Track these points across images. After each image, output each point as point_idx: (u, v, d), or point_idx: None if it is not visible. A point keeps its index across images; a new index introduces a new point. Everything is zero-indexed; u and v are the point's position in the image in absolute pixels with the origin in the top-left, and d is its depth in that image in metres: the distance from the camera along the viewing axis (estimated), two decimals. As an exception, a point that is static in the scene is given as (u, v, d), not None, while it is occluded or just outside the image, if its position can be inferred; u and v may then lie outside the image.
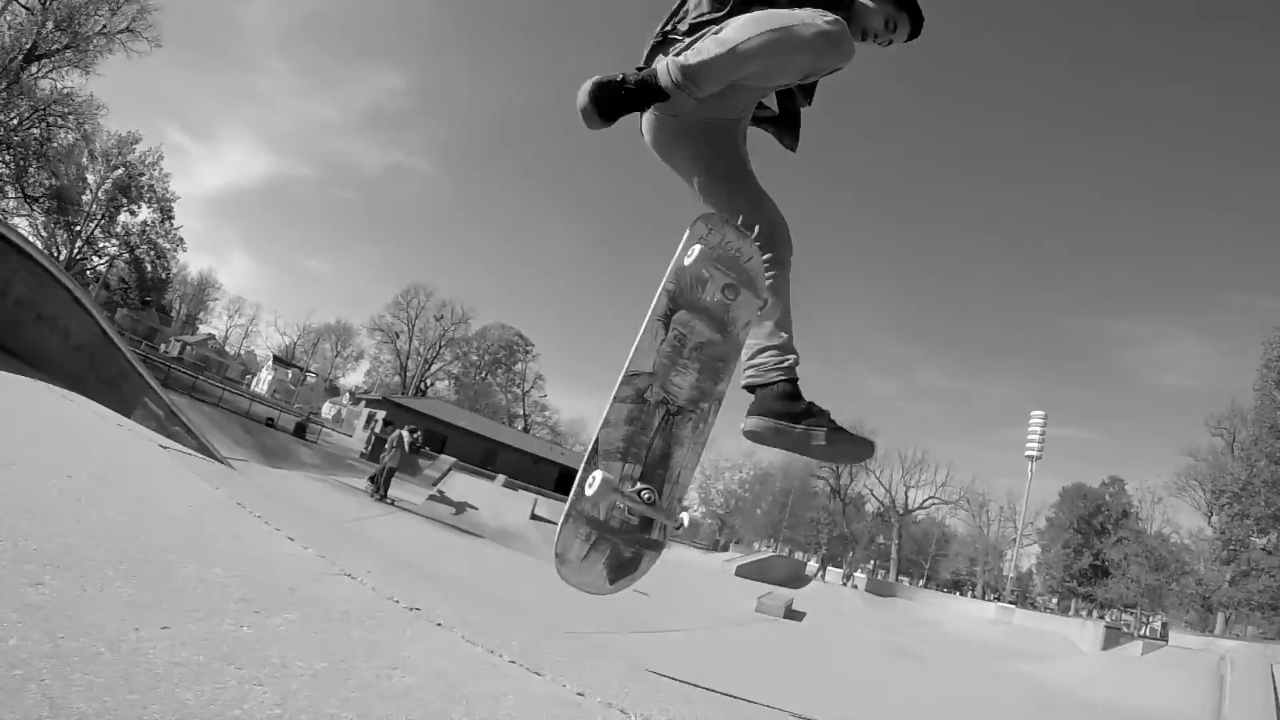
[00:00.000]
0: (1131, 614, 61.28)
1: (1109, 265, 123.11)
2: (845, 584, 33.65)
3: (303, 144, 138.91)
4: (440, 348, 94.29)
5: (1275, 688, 12.11)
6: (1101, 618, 52.20)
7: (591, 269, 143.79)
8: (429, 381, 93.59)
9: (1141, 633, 31.88)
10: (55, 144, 58.84)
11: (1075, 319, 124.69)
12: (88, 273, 70.24)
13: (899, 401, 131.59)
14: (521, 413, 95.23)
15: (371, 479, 19.57)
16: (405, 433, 26.47)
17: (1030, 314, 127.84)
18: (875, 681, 10.51)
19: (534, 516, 20.57)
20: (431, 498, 23.46)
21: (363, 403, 67.32)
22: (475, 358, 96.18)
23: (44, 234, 65.94)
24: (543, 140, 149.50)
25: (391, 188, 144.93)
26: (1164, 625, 50.13)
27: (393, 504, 18.00)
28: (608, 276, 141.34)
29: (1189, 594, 55.72)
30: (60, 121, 57.97)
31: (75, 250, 68.11)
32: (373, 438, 18.56)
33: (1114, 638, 21.49)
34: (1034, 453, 59.51)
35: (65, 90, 56.12)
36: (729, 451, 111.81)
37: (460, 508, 21.98)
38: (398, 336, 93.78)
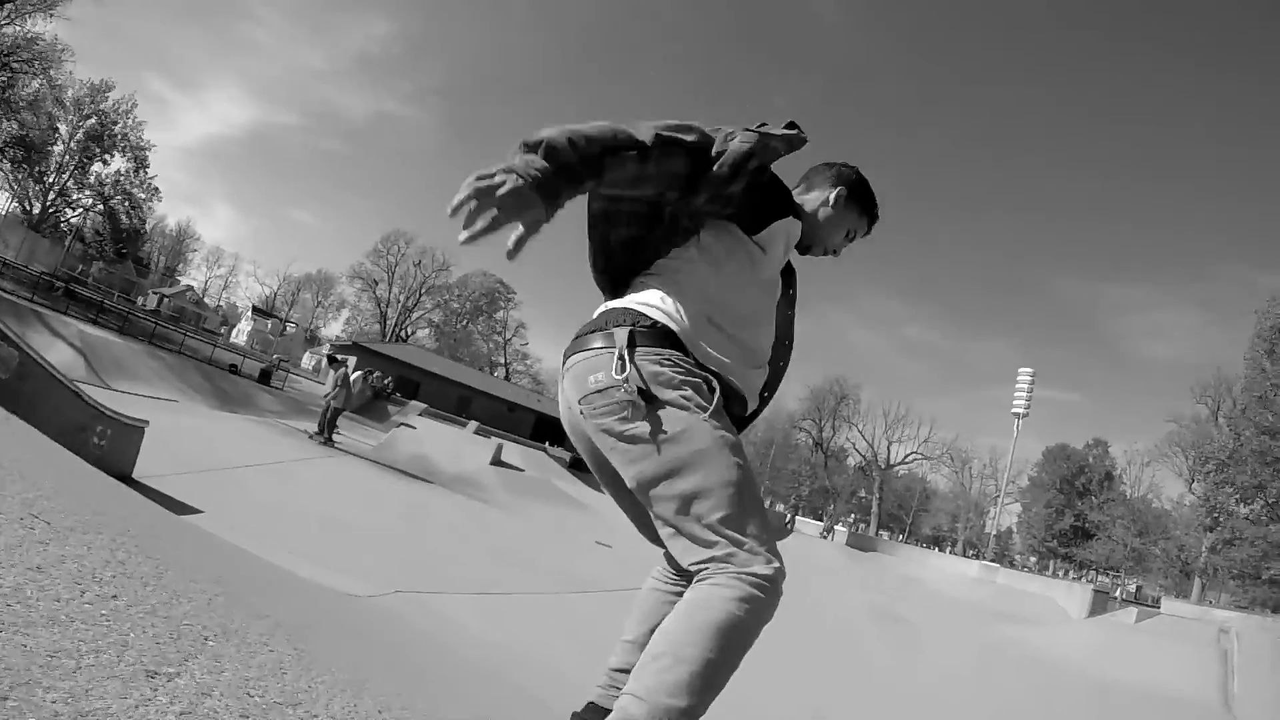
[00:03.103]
0: (1109, 576, 61.92)
1: (1101, 229, 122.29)
2: (825, 536, 32.89)
3: (289, 93, 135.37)
4: (420, 295, 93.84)
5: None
6: (1079, 579, 52.39)
7: (577, 217, 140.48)
8: (410, 329, 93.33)
9: (1116, 594, 31.54)
10: (20, 90, 57.51)
11: (1065, 281, 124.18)
12: (62, 225, 69.39)
13: (883, 355, 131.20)
14: (503, 361, 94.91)
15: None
16: (355, 372, 25.13)
17: (1020, 275, 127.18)
18: (860, 654, 9.51)
19: (497, 462, 19.27)
20: (400, 427, 22.34)
21: (322, 345, 66.30)
22: (456, 305, 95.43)
23: (15, 187, 65.08)
24: (531, 89, 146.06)
25: (378, 136, 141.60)
26: (1139, 589, 50.63)
27: (329, 444, 16.65)
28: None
29: (1171, 558, 56.12)
30: (25, 68, 56.56)
31: (48, 202, 66.97)
32: (335, 387, 17.17)
33: (1102, 602, 20.80)
34: (1021, 410, 58.81)
35: (28, 35, 54.86)
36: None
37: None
38: (377, 284, 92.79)
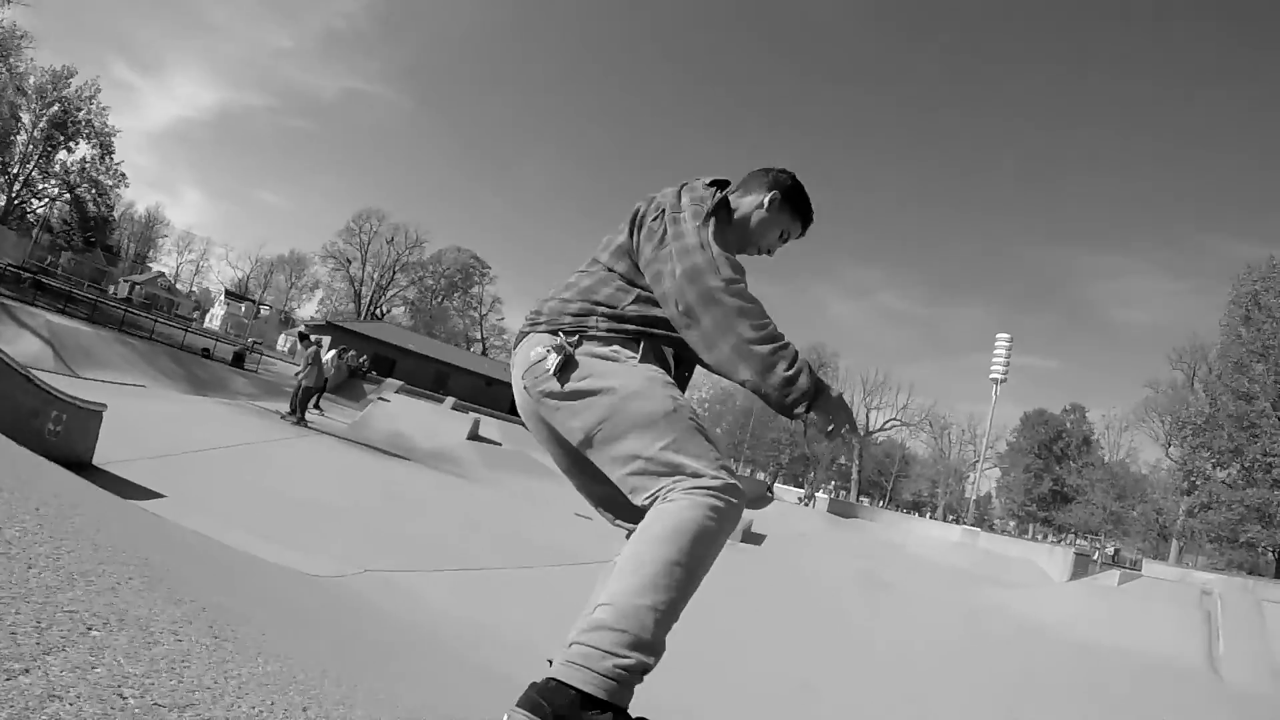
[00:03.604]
0: (1087, 540, 62.60)
1: (1072, 196, 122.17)
2: (807, 504, 32.82)
3: (255, 73, 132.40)
4: (394, 272, 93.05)
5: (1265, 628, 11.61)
6: (1058, 542, 52.89)
7: (551, 191, 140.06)
8: (385, 308, 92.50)
9: (1095, 558, 31.77)
10: None
11: (1038, 248, 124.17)
12: (28, 216, 68.31)
13: (860, 323, 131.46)
14: (479, 336, 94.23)
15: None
16: (330, 351, 24.76)
17: (993, 241, 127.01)
18: (845, 620, 9.42)
19: (474, 437, 18.97)
20: (376, 400, 22.03)
21: (296, 327, 65.65)
22: (431, 282, 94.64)
23: None
24: (499, 64, 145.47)
25: (346, 114, 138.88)
26: (1116, 552, 51.19)
27: (302, 424, 16.28)
28: (567, 198, 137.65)
29: (1149, 522, 56.76)
30: None
31: (14, 194, 65.76)
32: (305, 365, 16.80)
33: (1083, 565, 20.92)
34: (999, 375, 58.87)
35: None
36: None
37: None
38: (350, 263, 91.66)
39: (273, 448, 12.27)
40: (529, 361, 1.93)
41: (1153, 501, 57.49)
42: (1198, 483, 48.81)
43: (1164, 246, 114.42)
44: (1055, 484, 73.36)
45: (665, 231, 1.96)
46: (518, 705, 1.52)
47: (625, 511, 2.03)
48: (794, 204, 2.34)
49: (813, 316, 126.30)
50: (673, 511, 1.64)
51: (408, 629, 4.46)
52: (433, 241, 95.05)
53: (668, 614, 1.57)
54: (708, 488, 1.66)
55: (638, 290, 2.00)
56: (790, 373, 1.80)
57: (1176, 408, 55.09)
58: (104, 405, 8.38)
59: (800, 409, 1.81)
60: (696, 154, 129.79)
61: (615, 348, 1.90)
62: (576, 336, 1.92)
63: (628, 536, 1.90)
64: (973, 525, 38.08)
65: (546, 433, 2.01)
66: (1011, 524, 76.60)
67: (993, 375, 58.19)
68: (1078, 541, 56.83)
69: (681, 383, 2.10)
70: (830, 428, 1.87)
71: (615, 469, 1.79)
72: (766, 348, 1.82)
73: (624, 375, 1.84)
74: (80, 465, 7.57)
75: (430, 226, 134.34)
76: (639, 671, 1.53)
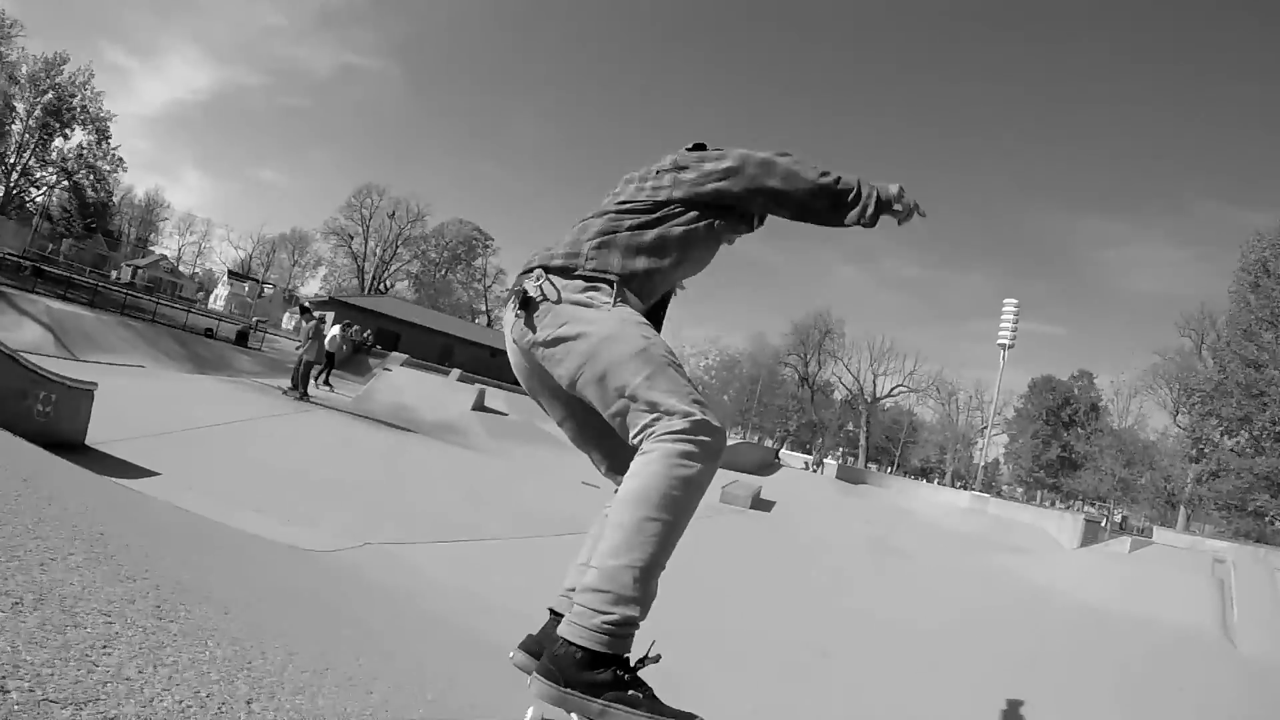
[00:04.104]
0: (1095, 506, 62.42)
1: (1078, 162, 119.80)
2: (815, 470, 32.65)
3: (249, 52, 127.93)
4: (397, 247, 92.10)
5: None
6: (1067, 508, 52.74)
7: (550, 160, 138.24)
8: (388, 282, 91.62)
9: (1104, 525, 31.64)
10: None
11: (1044, 215, 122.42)
12: (28, 205, 67.61)
13: (866, 289, 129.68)
14: (484, 308, 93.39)
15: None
16: (334, 326, 24.50)
17: (999, 207, 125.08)
18: (859, 586, 9.31)
19: (479, 408, 18.73)
20: (381, 371, 21.84)
21: (296, 304, 65.67)
22: (434, 255, 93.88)
23: None
24: (492, 33, 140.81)
25: (343, 90, 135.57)
26: (1124, 519, 50.95)
27: (305, 399, 16.06)
28: (567, 168, 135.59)
29: (1158, 489, 56.51)
30: None
31: (12, 184, 65.10)
32: (306, 339, 16.58)
33: (1093, 532, 20.70)
34: (1006, 340, 58.26)
35: None
36: (694, 338, 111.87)
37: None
38: (352, 239, 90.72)
39: (273, 423, 12.08)
40: (513, 317, 2.04)
41: (1161, 469, 57.14)
42: (1206, 451, 48.47)
43: (1172, 213, 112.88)
44: (1063, 450, 72.94)
45: (699, 160, 2.21)
46: (537, 672, 1.67)
47: (624, 466, 1.96)
48: None
49: (817, 282, 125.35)
50: (640, 469, 1.73)
51: (401, 602, 4.29)
52: (434, 214, 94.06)
53: (647, 569, 1.68)
54: (677, 431, 1.73)
55: (625, 234, 2.10)
56: (852, 184, 2.21)
57: (1184, 375, 54.52)
58: (94, 384, 8.17)
59: (871, 209, 2.20)
60: (692, 114, 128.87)
61: (591, 293, 1.97)
62: (557, 277, 2.01)
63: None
64: (981, 491, 37.98)
65: (538, 384, 2.16)
66: (1019, 490, 76.41)
67: (1000, 340, 57.61)
68: (1086, 509, 56.72)
69: (657, 323, 2.26)
70: (905, 212, 2.32)
71: (603, 409, 1.88)
72: (829, 178, 2.18)
73: (599, 320, 1.91)
74: (72, 446, 7.40)
75: (431, 199, 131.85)
76: (627, 624, 1.66)
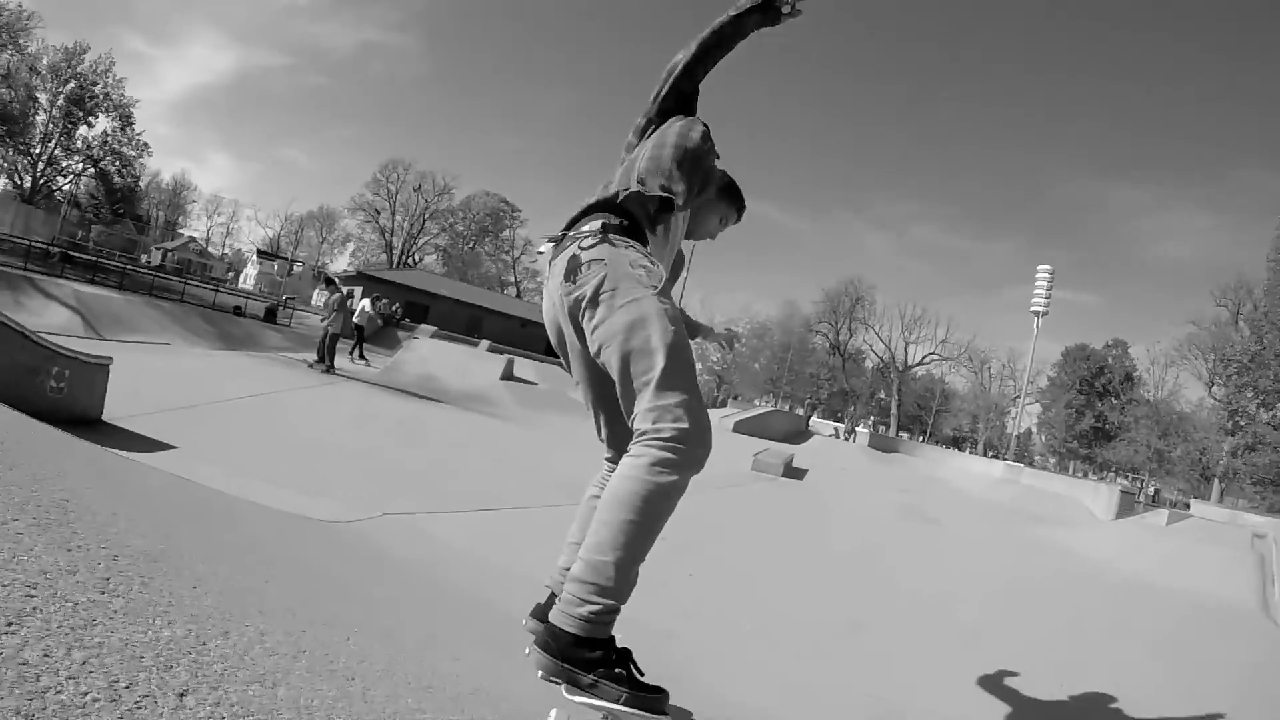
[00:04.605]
0: (1127, 478, 61.53)
1: (1110, 129, 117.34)
2: (847, 439, 32.26)
3: (269, 32, 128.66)
4: (424, 221, 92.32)
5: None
6: (1101, 479, 51.99)
7: (574, 129, 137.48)
8: (417, 256, 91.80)
9: (1139, 498, 31.11)
10: None
11: (1076, 182, 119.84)
12: (55, 194, 68.55)
13: (897, 257, 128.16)
14: (513, 280, 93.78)
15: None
16: (363, 299, 24.40)
17: (1030, 174, 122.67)
18: (893, 556, 9.16)
19: (508, 377, 18.54)
20: (406, 345, 21.70)
21: (324, 281, 66.23)
22: (461, 228, 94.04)
23: (3, 164, 64.61)
24: (517, 3, 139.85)
25: (364, 67, 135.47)
26: (1156, 492, 50.07)
27: (331, 371, 15.95)
28: (593, 135, 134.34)
29: (1192, 461, 55.51)
30: None
31: (38, 173, 66.24)
32: (330, 312, 16.44)
33: (1128, 504, 20.18)
34: (1040, 308, 57.16)
35: None
36: (724, 306, 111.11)
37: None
38: (379, 214, 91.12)
39: (297, 395, 11.94)
40: (568, 267, 2.15)
41: (1196, 441, 56.11)
42: (1242, 423, 47.49)
43: (1206, 181, 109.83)
44: (1097, 421, 71.90)
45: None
46: (535, 644, 1.91)
47: (623, 448, 2.13)
48: (729, 195, 2.84)
49: (848, 250, 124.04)
50: (626, 472, 1.93)
51: (415, 574, 4.10)
52: (461, 187, 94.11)
53: (627, 563, 1.88)
54: (665, 439, 1.90)
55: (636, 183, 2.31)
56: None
57: (1220, 345, 53.50)
58: (110, 359, 8.02)
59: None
60: (714, 81, 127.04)
61: (625, 249, 2.14)
62: (602, 222, 2.21)
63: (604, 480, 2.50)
64: (1015, 461, 37.42)
65: (567, 341, 2.31)
66: (1051, 461, 75.43)
67: (1034, 308, 56.67)
68: (1118, 481, 55.92)
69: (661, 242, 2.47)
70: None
71: (617, 384, 2.05)
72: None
73: (643, 301, 2.04)
74: (88, 422, 7.28)
75: (458, 172, 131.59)
76: (608, 612, 1.87)
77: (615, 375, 2.03)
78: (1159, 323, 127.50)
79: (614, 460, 2.48)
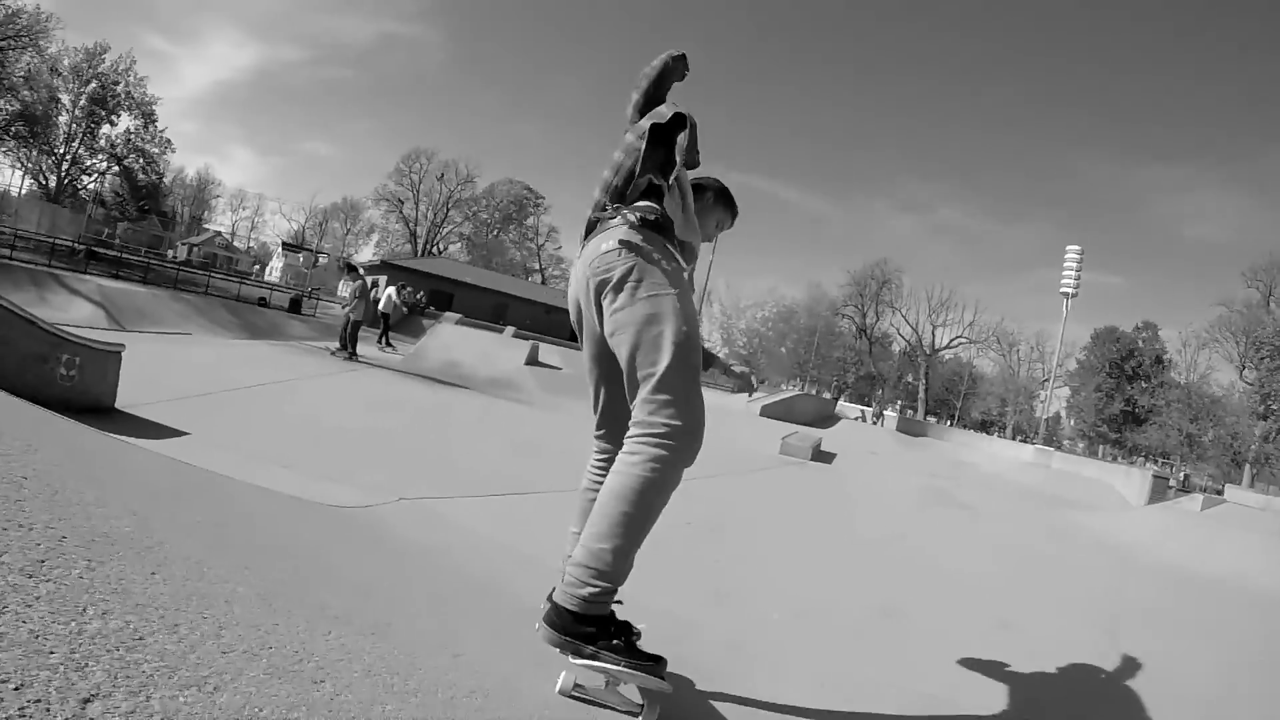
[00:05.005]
0: (1157, 463, 60.50)
1: (1140, 105, 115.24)
2: (875, 422, 31.82)
3: (288, 27, 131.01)
4: (448, 209, 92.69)
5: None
6: (1131, 464, 51.14)
7: (595, 115, 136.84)
8: (441, 245, 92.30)
9: (1171, 483, 30.60)
10: (13, 68, 58.14)
11: (1102, 163, 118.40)
12: (80, 193, 70.03)
13: (923, 239, 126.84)
14: (538, 266, 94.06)
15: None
16: (388, 287, 24.32)
17: (1055, 155, 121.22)
18: (923, 540, 9.10)
19: (533, 362, 18.35)
20: (430, 332, 21.56)
21: (346, 268, 66.66)
22: (485, 216, 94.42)
23: (28, 164, 65.94)
24: None
25: (384, 58, 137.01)
26: (1186, 477, 49.10)
27: (354, 359, 15.78)
28: (617, 122, 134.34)
29: (1224, 446, 54.53)
30: (12, 44, 57.19)
31: (63, 173, 67.55)
32: (353, 299, 16.29)
33: (1161, 489, 19.79)
34: (1069, 289, 55.83)
35: (10, 10, 55.57)
36: (749, 290, 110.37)
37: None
38: (402, 204, 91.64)
39: (317, 382, 11.77)
40: (599, 252, 2.28)
41: (1227, 425, 55.10)
42: (1274, 407, 46.68)
43: (1236, 160, 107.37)
44: (1126, 404, 70.90)
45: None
46: (543, 619, 2.10)
47: (617, 432, 2.35)
48: (724, 201, 2.94)
49: (873, 233, 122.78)
50: (624, 469, 2.08)
51: (426, 560, 3.90)
52: (484, 176, 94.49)
53: (623, 549, 2.06)
54: (659, 435, 2.07)
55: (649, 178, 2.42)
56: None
57: (1251, 328, 52.56)
58: (122, 345, 7.89)
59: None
60: (732, 61, 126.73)
61: (653, 244, 2.29)
62: (635, 227, 2.30)
63: (595, 464, 2.62)
64: (1044, 445, 36.86)
65: (585, 319, 2.42)
66: (1080, 445, 74.40)
67: (1063, 289, 55.45)
68: (1148, 465, 54.98)
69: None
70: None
71: (624, 370, 2.20)
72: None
73: (663, 298, 2.18)
74: (101, 409, 7.15)
75: (480, 161, 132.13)
76: (607, 593, 2.06)
77: (623, 361, 2.18)
78: (1189, 305, 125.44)
79: (604, 440, 2.60)
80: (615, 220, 2.33)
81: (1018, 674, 3.96)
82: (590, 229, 2.45)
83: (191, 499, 3.00)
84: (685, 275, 2.33)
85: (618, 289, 2.19)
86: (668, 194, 2.39)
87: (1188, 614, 7.25)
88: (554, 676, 2.23)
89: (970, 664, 4.01)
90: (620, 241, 2.24)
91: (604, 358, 2.39)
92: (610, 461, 2.49)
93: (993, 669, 3.97)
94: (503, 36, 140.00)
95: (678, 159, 2.38)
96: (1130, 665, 4.53)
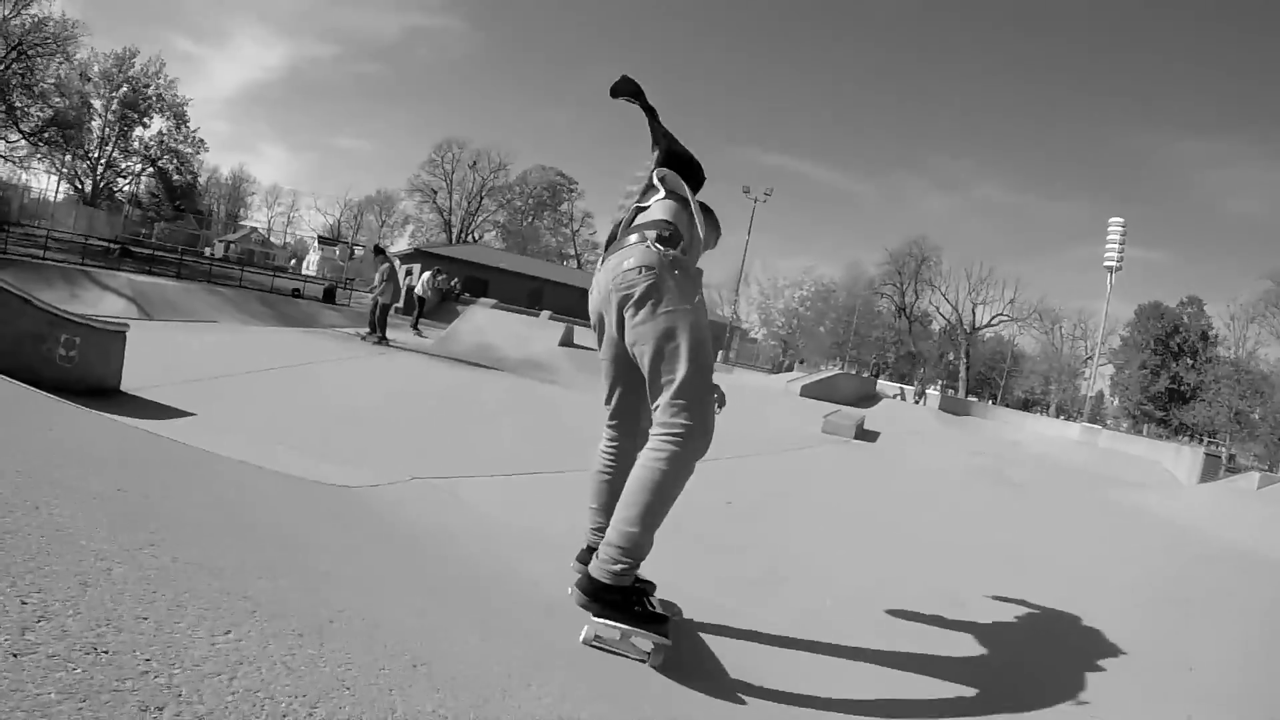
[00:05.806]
0: (1203, 441, 58.94)
1: (1179, 80, 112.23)
2: (918, 401, 31.22)
3: (315, 24, 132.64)
4: (481, 197, 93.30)
5: None
6: (1179, 442, 49.90)
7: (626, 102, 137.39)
8: (476, 234, 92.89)
9: (1223, 461, 29.75)
10: (42, 75, 59.69)
11: (1143, 135, 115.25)
12: (116, 195, 71.68)
13: (961, 217, 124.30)
14: (573, 252, 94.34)
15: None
16: (423, 274, 24.09)
17: (1095, 129, 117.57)
18: (978, 523, 8.54)
19: (568, 343, 17.96)
20: (462, 315, 21.30)
21: (374, 251, 67.26)
22: (519, 203, 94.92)
23: (63, 169, 67.71)
24: None
25: (412, 51, 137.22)
26: (1232, 457, 47.72)
27: (384, 343, 15.55)
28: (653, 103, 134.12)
29: (1274, 424, 53.09)
30: (41, 50, 58.48)
31: (99, 177, 69.22)
32: (380, 281, 16.07)
33: (1213, 467, 18.96)
34: (1113, 263, 54.54)
35: (36, 19, 56.98)
36: (786, 270, 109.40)
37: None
38: (436, 194, 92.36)
39: (341, 365, 11.49)
40: (622, 268, 2.57)
41: (1276, 403, 53.68)
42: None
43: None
44: (1172, 381, 69.40)
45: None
46: (575, 585, 2.51)
47: (628, 423, 2.87)
48: (713, 222, 3.14)
49: (910, 211, 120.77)
50: (646, 462, 2.45)
51: (432, 543, 3.56)
52: (516, 163, 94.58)
53: (647, 530, 2.44)
54: (675, 433, 2.43)
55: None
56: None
57: (1298, 302, 51.05)
58: (126, 325, 7.63)
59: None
60: (764, 44, 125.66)
61: (672, 260, 2.57)
62: (657, 233, 2.63)
63: (606, 449, 2.93)
64: (1091, 424, 35.96)
65: (606, 327, 2.72)
66: (1125, 423, 72.82)
67: (1106, 263, 54.34)
68: (1194, 444, 53.69)
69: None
70: None
71: (645, 375, 2.54)
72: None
73: (680, 311, 2.51)
74: (104, 391, 6.88)
75: (512, 148, 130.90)
76: (632, 566, 2.47)
77: (645, 370, 2.50)
78: (1234, 280, 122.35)
79: (615, 429, 2.90)
80: (634, 238, 2.63)
81: (1093, 661, 3.61)
82: (610, 241, 2.84)
83: (170, 477, 2.65)
84: (697, 293, 2.59)
85: (639, 305, 2.49)
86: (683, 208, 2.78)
87: (1259, 598, 6.74)
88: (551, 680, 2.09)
89: (1046, 655, 3.71)
90: (641, 262, 2.51)
91: (620, 360, 2.70)
92: (618, 447, 2.87)
93: (1069, 659, 3.64)
94: (528, 24, 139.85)
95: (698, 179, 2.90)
96: (1205, 652, 4.25)
